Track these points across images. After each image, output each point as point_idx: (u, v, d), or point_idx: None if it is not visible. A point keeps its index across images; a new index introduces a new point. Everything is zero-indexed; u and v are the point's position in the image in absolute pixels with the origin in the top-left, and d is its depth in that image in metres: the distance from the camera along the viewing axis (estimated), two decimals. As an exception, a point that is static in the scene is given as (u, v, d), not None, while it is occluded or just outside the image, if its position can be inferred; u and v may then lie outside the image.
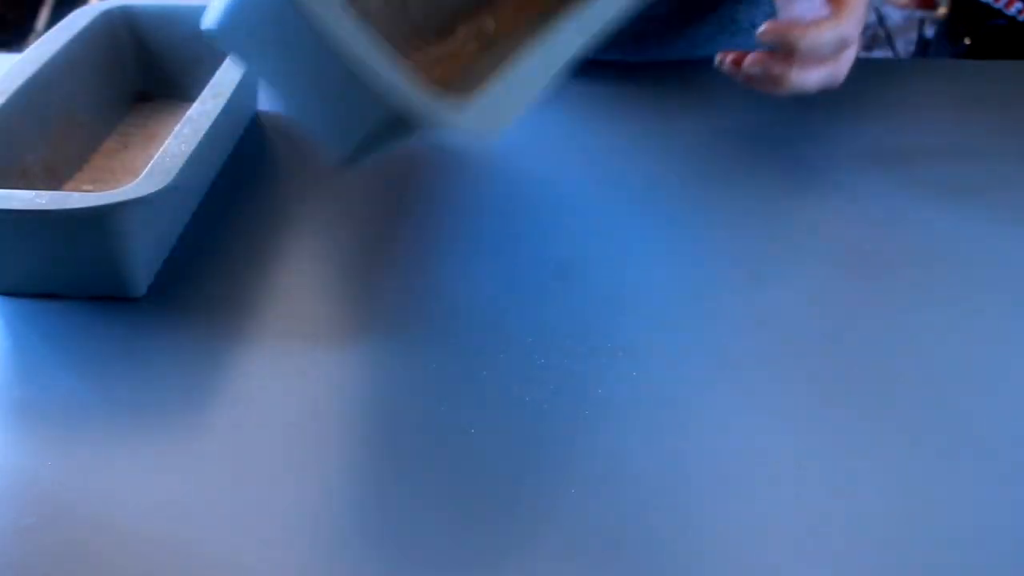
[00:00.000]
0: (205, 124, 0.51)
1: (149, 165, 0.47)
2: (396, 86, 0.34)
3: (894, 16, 2.04)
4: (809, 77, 0.55)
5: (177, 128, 0.50)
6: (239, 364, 0.45)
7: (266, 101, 0.67)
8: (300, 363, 0.45)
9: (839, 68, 0.56)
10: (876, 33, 2.01)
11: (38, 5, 2.05)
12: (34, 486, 0.40)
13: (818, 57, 0.54)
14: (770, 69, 0.56)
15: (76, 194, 0.45)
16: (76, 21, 0.61)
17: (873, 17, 1.98)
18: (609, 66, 0.70)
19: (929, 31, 1.81)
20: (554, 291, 0.50)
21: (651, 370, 0.45)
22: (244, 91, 0.61)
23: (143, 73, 0.66)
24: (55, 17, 1.93)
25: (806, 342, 0.46)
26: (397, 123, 0.36)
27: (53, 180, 0.55)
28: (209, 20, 0.39)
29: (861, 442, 0.41)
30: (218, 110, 0.52)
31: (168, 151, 0.48)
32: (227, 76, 0.56)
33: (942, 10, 1.73)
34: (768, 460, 0.40)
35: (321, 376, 0.45)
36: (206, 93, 0.54)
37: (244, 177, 0.60)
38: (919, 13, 1.88)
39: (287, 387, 0.44)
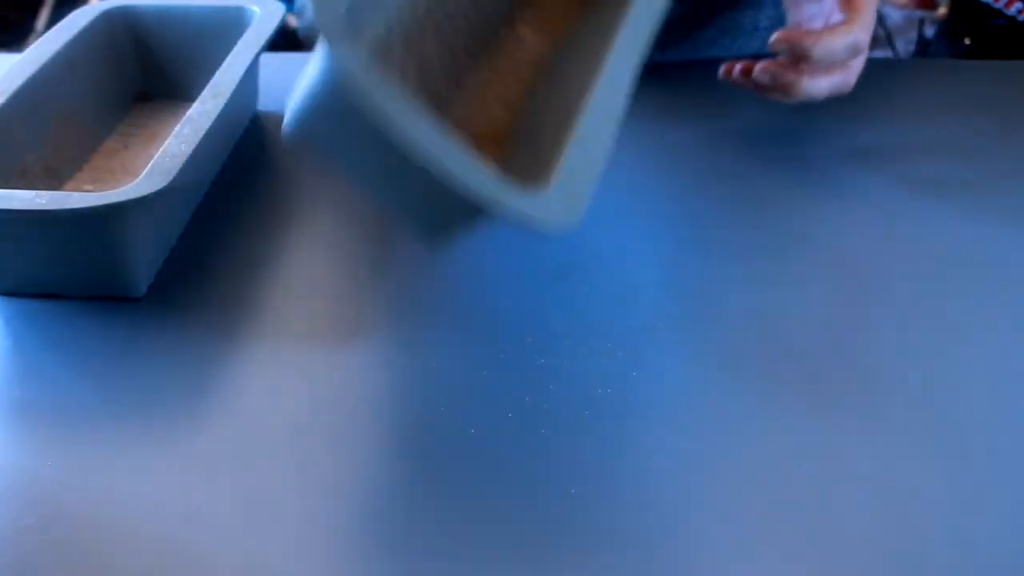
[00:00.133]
0: (205, 124, 0.51)
1: (149, 165, 0.47)
2: (477, 186, 0.34)
3: (894, 16, 2.04)
4: (819, 84, 0.55)
5: (177, 128, 0.50)
6: (239, 364, 0.45)
7: (266, 101, 0.67)
8: (300, 363, 0.45)
9: (849, 75, 0.56)
10: (876, 33, 2.01)
11: (38, 5, 2.05)
12: (34, 486, 0.40)
13: (829, 64, 0.54)
14: (780, 77, 0.56)
15: (76, 194, 0.45)
16: (76, 21, 0.61)
17: (873, 17, 1.97)
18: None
19: (929, 31, 1.81)
20: (554, 291, 0.50)
21: (651, 370, 0.45)
22: (244, 91, 0.61)
23: (143, 73, 0.66)
24: (55, 17, 1.93)
25: (807, 342, 0.46)
26: (480, 211, 0.35)
27: (53, 180, 0.55)
28: (286, 124, 0.38)
29: (861, 442, 0.41)
30: (218, 110, 0.52)
31: (168, 151, 0.48)
32: (227, 76, 0.56)
33: (942, 10, 1.73)
34: (768, 460, 0.40)
35: (321, 376, 0.45)
36: (206, 93, 0.54)
37: (244, 177, 0.60)
38: (919, 13, 1.87)
39: (287, 387, 0.44)
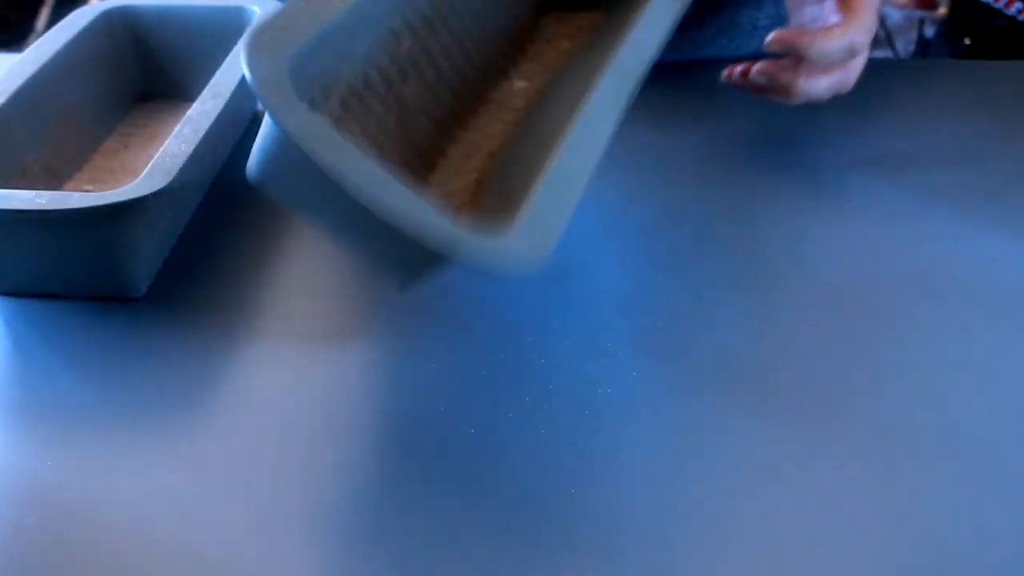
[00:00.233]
0: (205, 124, 0.51)
1: (149, 165, 0.47)
2: (432, 233, 0.33)
3: (894, 16, 2.04)
4: (817, 85, 0.55)
5: (177, 128, 0.50)
6: (239, 364, 0.46)
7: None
8: (300, 363, 0.45)
9: (848, 76, 0.56)
10: (876, 33, 2.01)
11: (38, 5, 2.05)
12: (34, 486, 0.40)
13: (827, 65, 0.54)
14: (778, 78, 0.55)
15: (76, 194, 0.45)
16: (76, 21, 0.61)
17: (873, 17, 1.97)
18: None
19: (929, 31, 1.81)
20: (554, 291, 0.50)
21: (651, 370, 0.45)
22: (244, 91, 0.61)
23: (143, 73, 0.66)
24: (55, 17, 1.93)
25: (807, 344, 0.46)
26: (437, 256, 0.35)
27: (53, 180, 0.55)
28: (249, 168, 0.38)
29: (862, 443, 0.41)
30: (218, 110, 0.52)
31: (168, 151, 0.48)
32: (227, 76, 0.56)
33: (942, 10, 1.73)
34: (769, 460, 0.40)
35: (321, 376, 0.45)
36: (206, 93, 0.54)
37: (244, 177, 0.59)
38: (919, 13, 1.88)
39: (287, 387, 0.44)
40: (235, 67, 0.57)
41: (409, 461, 0.41)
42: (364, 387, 0.44)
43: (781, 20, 0.73)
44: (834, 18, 0.54)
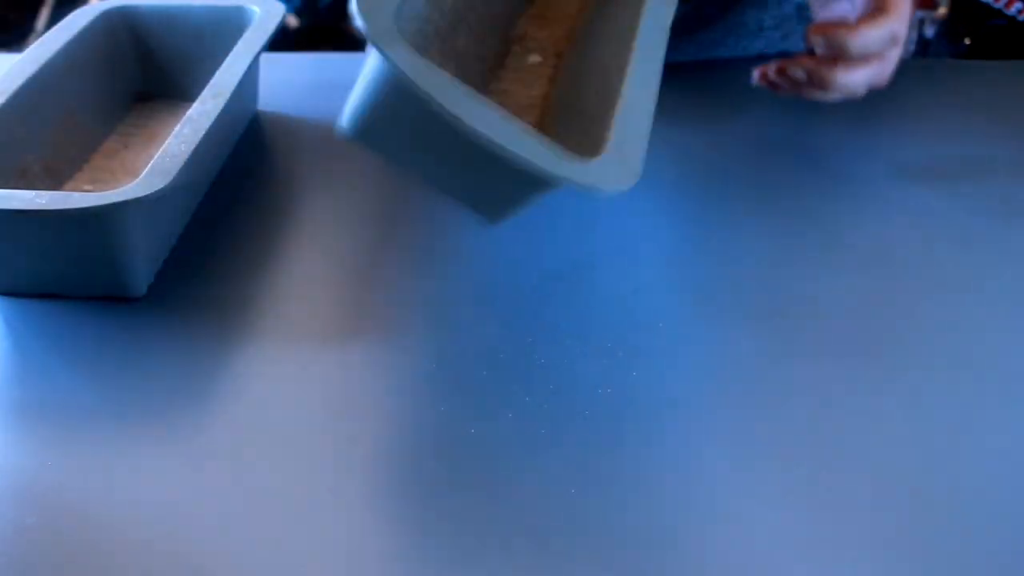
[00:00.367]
0: (205, 124, 0.51)
1: (149, 165, 0.47)
2: (539, 159, 0.36)
3: (894, 16, 2.04)
4: (855, 77, 0.53)
5: (177, 128, 0.50)
6: (239, 364, 0.46)
7: (266, 101, 0.67)
8: (300, 363, 0.45)
9: (885, 67, 0.54)
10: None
11: (38, 5, 2.05)
12: (34, 486, 0.40)
13: (866, 56, 0.53)
14: (815, 72, 0.54)
15: (76, 194, 0.45)
16: (76, 21, 0.61)
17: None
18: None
19: (929, 31, 1.81)
20: (554, 291, 0.50)
21: (651, 370, 0.45)
22: (244, 91, 0.61)
23: (143, 73, 0.66)
24: (55, 17, 1.93)
25: (809, 344, 0.46)
26: (540, 184, 0.37)
27: (53, 180, 0.55)
28: (342, 124, 0.40)
29: (862, 444, 0.41)
30: (218, 110, 0.52)
31: (168, 151, 0.48)
32: (227, 76, 0.56)
33: (942, 10, 1.73)
34: (769, 460, 0.40)
35: (321, 376, 0.45)
36: (206, 93, 0.54)
37: (244, 177, 0.60)
38: (919, 13, 1.87)
39: (287, 387, 0.44)
40: (235, 67, 0.57)
41: (409, 461, 0.41)
42: (364, 387, 0.44)
43: (786, 20, 0.73)
44: (868, 7, 0.52)
